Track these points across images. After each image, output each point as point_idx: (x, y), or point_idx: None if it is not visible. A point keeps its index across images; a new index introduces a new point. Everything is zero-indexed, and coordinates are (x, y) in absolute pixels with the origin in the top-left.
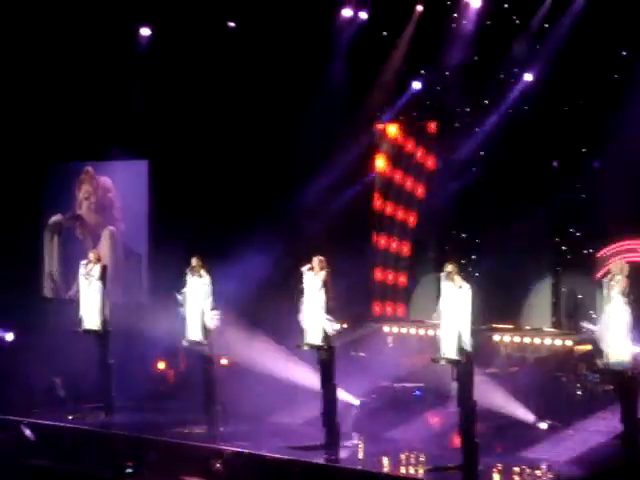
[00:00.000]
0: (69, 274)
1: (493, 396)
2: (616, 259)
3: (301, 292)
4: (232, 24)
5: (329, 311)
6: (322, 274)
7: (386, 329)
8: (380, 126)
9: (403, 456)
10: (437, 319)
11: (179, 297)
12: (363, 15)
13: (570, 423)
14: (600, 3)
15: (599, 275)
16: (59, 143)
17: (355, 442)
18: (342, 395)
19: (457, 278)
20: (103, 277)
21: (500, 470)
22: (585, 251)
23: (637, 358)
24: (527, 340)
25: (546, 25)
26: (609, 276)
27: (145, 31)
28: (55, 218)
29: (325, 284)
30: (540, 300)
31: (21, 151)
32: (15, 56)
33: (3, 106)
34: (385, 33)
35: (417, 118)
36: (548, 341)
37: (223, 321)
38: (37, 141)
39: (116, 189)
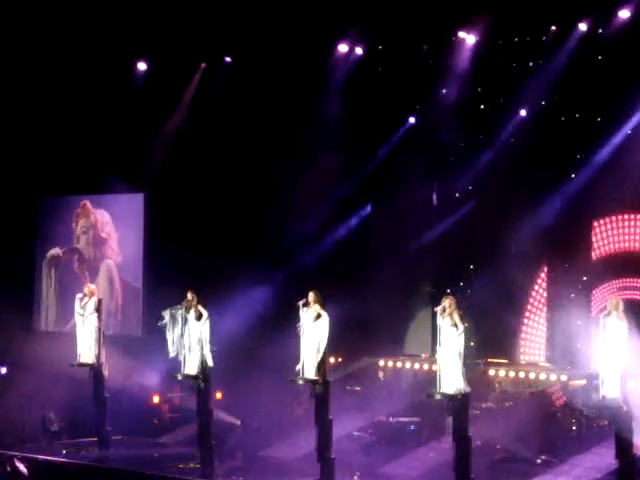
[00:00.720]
0: (66, 308)
1: (488, 431)
2: (612, 296)
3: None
4: (228, 59)
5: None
6: (317, 307)
7: (381, 363)
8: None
9: None
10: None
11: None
12: (359, 50)
13: (565, 458)
14: (594, 41)
15: (595, 312)
16: (52, 175)
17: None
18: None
19: (455, 315)
20: (98, 311)
21: None
22: (580, 287)
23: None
24: (522, 375)
25: (540, 62)
26: (605, 312)
27: (142, 65)
28: (53, 252)
29: (320, 318)
30: (535, 335)
31: (13, 183)
32: (9, 88)
33: None
34: (380, 68)
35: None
36: (543, 376)
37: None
38: (30, 173)
39: (112, 222)
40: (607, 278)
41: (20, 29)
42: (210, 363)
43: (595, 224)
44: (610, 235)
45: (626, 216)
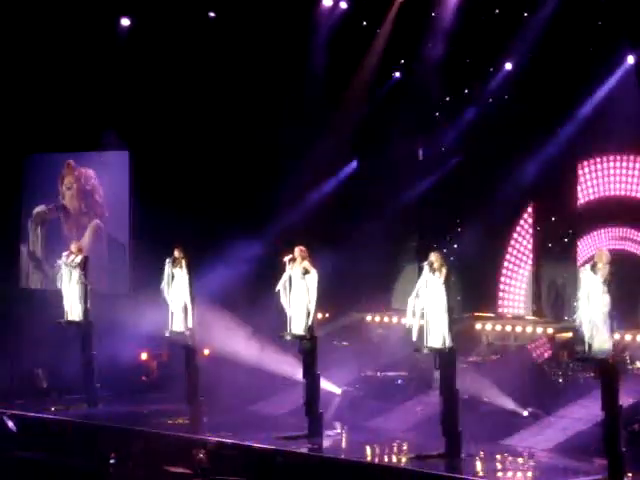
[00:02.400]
0: (53, 265)
1: (475, 384)
2: (598, 248)
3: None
4: (212, 14)
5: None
6: (304, 264)
7: (368, 318)
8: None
9: (386, 445)
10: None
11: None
12: (343, 5)
13: (551, 411)
14: None
15: (581, 263)
16: (37, 133)
17: (337, 431)
18: (324, 384)
19: (443, 269)
20: (84, 268)
21: (482, 458)
22: (565, 239)
23: (618, 345)
24: (508, 328)
25: (525, 14)
26: (590, 264)
27: (125, 21)
28: (38, 209)
29: (308, 274)
30: (521, 287)
31: None
32: None
33: None
34: (365, 23)
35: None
36: (529, 329)
37: (205, 312)
38: (15, 132)
39: (97, 179)
40: (593, 227)
41: None
42: (190, 325)
43: (580, 171)
44: (595, 178)
45: (611, 157)
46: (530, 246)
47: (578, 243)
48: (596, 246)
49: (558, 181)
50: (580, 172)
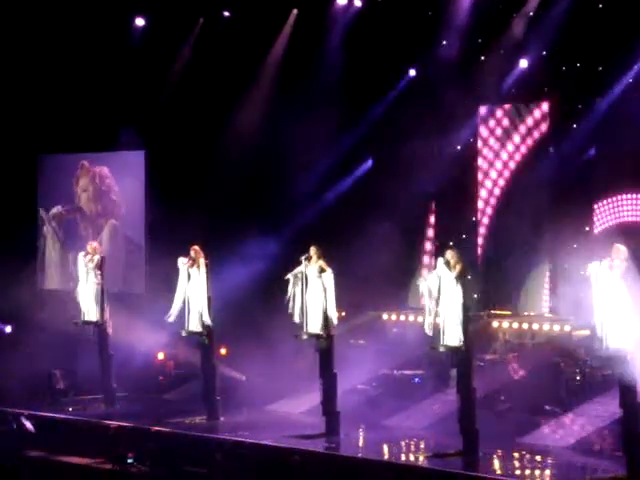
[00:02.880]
0: (70, 266)
1: (493, 382)
2: (615, 245)
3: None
4: (227, 13)
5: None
6: (320, 262)
7: (385, 317)
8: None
9: (403, 443)
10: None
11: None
12: (357, 3)
13: (569, 408)
14: None
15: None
16: (52, 133)
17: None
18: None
19: (457, 266)
20: (101, 268)
21: (500, 456)
22: (583, 236)
23: (636, 342)
24: (525, 326)
25: (540, 11)
26: (608, 260)
27: (140, 21)
28: (55, 210)
29: (324, 273)
30: (538, 285)
31: (13, 142)
32: (6, 46)
33: None
34: (379, 21)
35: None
36: (546, 327)
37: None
38: (30, 131)
39: (113, 177)
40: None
41: None
42: (208, 322)
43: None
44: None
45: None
46: (548, 244)
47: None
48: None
49: (575, 180)
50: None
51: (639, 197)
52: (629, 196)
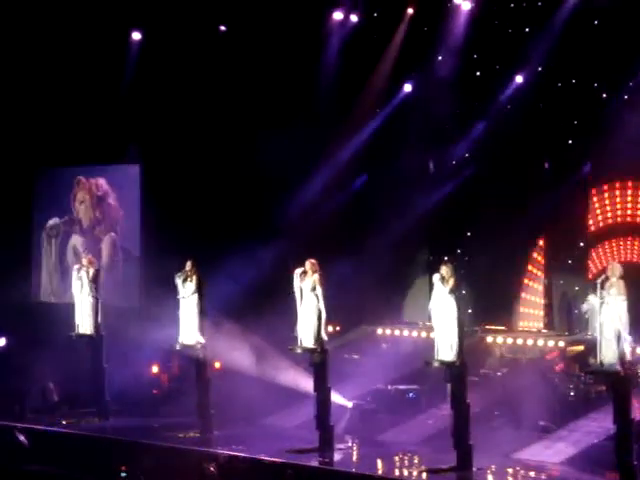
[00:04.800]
0: (66, 278)
1: (487, 397)
2: (610, 261)
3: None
4: (223, 28)
5: (322, 314)
6: (315, 277)
7: (379, 331)
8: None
9: (397, 458)
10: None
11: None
12: (354, 18)
13: (563, 424)
14: (589, 6)
15: (593, 277)
16: (48, 146)
17: (349, 444)
18: (335, 398)
19: (451, 281)
20: (96, 281)
21: (494, 471)
22: (577, 252)
23: (630, 359)
24: (520, 341)
25: (536, 27)
26: (603, 277)
27: (136, 35)
28: (52, 222)
29: (317, 287)
30: (533, 301)
31: (9, 155)
32: (4, 61)
33: None
34: (375, 36)
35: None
36: (540, 342)
37: (216, 325)
38: (26, 145)
39: (109, 186)
40: (604, 241)
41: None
42: (201, 340)
43: (594, 191)
44: (608, 204)
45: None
46: (543, 260)
47: (590, 256)
48: (608, 259)
49: (570, 196)
50: (593, 192)
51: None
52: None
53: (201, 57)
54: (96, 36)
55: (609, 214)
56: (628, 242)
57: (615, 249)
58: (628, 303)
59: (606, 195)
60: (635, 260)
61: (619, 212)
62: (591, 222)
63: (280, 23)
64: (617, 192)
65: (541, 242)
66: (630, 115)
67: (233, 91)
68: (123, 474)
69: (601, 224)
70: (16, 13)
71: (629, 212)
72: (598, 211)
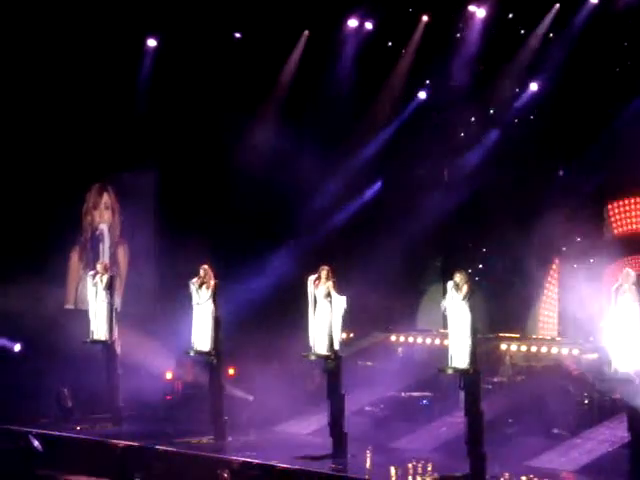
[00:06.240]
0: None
1: (501, 405)
2: (625, 269)
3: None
4: (238, 35)
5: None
6: (329, 284)
7: (393, 338)
8: None
9: (410, 465)
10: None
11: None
12: (369, 25)
13: (577, 432)
14: (605, 11)
15: (608, 284)
16: (66, 157)
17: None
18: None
19: (465, 288)
20: (111, 287)
21: (507, 479)
22: (592, 259)
23: None
24: (534, 349)
25: (551, 35)
26: (617, 285)
27: (152, 42)
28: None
29: (331, 294)
30: (548, 309)
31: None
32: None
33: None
34: (390, 43)
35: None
36: (555, 350)
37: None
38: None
39: (124, 200)
40: (620, 255)
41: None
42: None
43: (611, 204)
44: (625, 217)
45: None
46: (558, 268)
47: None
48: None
49: (587, 206)
50: (609, 212)
51: None
52: None
53: (217, 64)
54: (112, 43)
55: (625, 227)
56: None
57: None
58: None
59: (621, 209)
60: None
61: (634, 226)
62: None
63: (296, 30)
64: (633, 206)
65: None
66: None
67: (249, 97)
68: (136, 479)
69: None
70: (29, 20)
71: None
72: (615, 223)
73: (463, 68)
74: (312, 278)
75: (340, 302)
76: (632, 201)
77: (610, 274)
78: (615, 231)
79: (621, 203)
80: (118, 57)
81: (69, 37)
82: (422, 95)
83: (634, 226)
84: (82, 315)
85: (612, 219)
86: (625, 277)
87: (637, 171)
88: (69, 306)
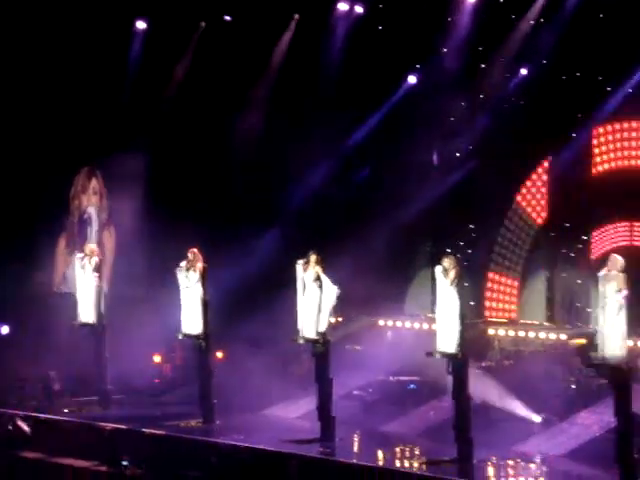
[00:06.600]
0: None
1: (488, 389)
2: (612, 254)
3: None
4: (228, 18)
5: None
6: (317, 268)
7: (381, 323)
8: None
9: (398, 449)
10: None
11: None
12: (359, 9)
13: (564, 417)
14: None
15: (595, 270)
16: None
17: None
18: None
19: (453, 273)
20: (99, 270)
21: (494, 463)
22: (580, 245)
23: (631, 351)
24: (522, 334)
25: (542, 20)
26: (604, 270)
27: (141, 24)
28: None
29: (320, 278)
30: (535, 294)
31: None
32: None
33: None
34: (381, 27)
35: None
36: (543, 335)
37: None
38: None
39: (113, 184)
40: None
41: None
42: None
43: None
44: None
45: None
46: (545, 253)
47: (591, 244)
48: (607, 246)
49: (572, 189)
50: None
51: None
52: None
53: (204, 46)
54: (102, 24)
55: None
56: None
57: (614, 233)
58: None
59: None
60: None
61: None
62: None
63: (286, 13)
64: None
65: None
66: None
67: (238, 81)
68: (124, 463)
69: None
70: (16, 2)
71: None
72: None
73: (453, 53)
74: (301, 262)
75: (331, 290)
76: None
77: (595, 248)
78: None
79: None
80: (108, 39)
81: (58, 19)
82: (412, 79)
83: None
84: (70, 298)
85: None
86: (612, 263)
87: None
88: (57, 289)
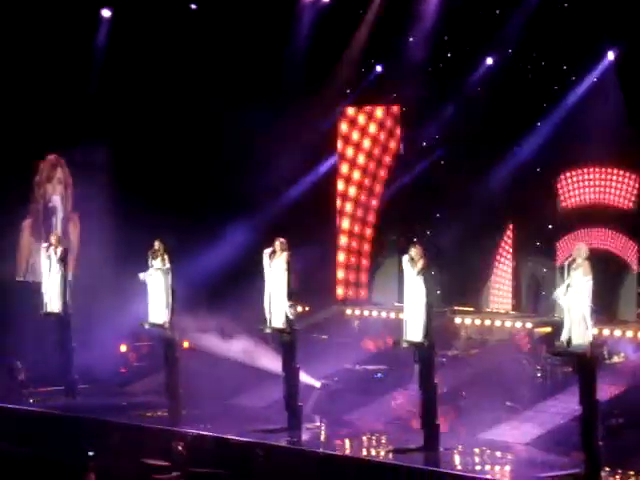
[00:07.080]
0: (36, 257)
1: (454, 378)
2: (578, 243)
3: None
4: (194, 6)
5: (291, 294)
6: (284, 256)
7: (348, 312)
8: (342, 109)
9: (365, 438)
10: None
11: (141, 276)
12: None
13: (530, 405)
14: None
15: (560, 259)
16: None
17: (317, 424)
18: (304, 378)
19: (420, 262)
20: (64, 259)
21: (460, 451)
22: (545, 235)
23: (596, 340)
24: (488, 322)
25: (507, 9)
26: (569, 259)
27: (106, 13)
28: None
29: (287, 266)
30: (501, 283)
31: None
32: None
33: None
34: (347, 17)
35: (380, 101)
36: (508, 323)
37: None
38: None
39: (78, 173)
40: (572, 228)
41: None
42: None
43: (562, 176)
44: (576, 187)
45: (591, 169)
46: (511, 242)
47: (558, 242)
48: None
49: (539, 179)
50: (562, 177)
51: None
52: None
53: (171, 35)
54: (66, 12)
55: (576, 199)
56: (598, 230)
57: (584, 237)
58: (598, 287)
59: (574, 180)
60: (604, 247)
61: (586, 197)
62: (559, 204)
63: (251, 1)
64: (585, 176)
65: (510, 224)
66: (597, 99)
67: (202, 70)
68: (90, 453)
69: (569, 208)
70: None
71: (595, 196)
72: (566, 195)
73: (419, 42)
74: (267, 251)
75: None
76: (583, 171)
77: (563, 247)
78: (566, 202)
79: (573, 173)
80: (73, 28)
81: (25, 8)
82: (378, 69)
83: (583, 197)
84: (35, 287)
85: (563, 190)
86: (577, 251)
87: (589, 142)
88: (20, 278)
